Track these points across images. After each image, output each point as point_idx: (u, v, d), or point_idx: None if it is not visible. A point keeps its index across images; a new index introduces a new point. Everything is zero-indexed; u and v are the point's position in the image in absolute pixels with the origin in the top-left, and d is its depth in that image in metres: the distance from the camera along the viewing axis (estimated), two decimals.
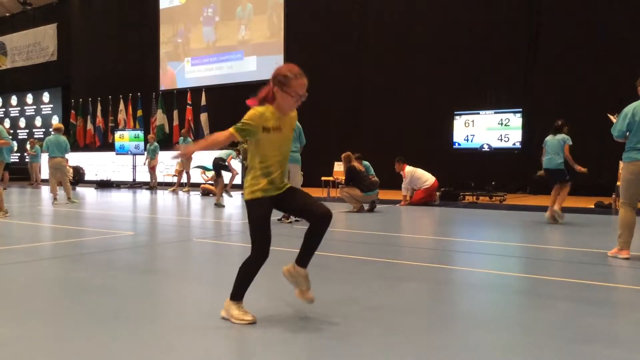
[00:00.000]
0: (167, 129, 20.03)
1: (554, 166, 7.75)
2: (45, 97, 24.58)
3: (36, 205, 11.10)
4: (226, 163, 11.18)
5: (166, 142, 18.69)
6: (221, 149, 13.93)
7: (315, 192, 13.28)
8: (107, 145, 20.92)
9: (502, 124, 11.78)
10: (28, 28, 25.40)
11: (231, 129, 2.83)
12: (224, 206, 10.36)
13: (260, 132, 2.85)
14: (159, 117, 20.07)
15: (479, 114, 12.17)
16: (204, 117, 19.02)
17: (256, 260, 2.89)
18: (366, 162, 10.56)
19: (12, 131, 24.91)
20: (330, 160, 13.50)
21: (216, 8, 19.30)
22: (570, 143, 7.71)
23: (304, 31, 16.80)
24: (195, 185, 15.22)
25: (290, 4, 17.41)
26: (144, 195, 14.51)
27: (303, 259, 2.95)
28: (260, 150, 2.90)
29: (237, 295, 2.96)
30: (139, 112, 20.74)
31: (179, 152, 3.06)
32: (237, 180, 12.82)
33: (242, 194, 12.37)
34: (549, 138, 7.87)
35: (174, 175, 16.31)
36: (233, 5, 18.84)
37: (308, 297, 3.00)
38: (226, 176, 11.86)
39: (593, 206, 10.12)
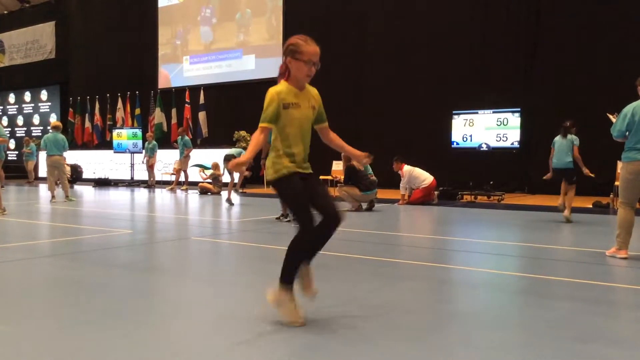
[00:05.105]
0: (165, 127, 20.00)
1: (563, 165, 7.93)
2: (43, 95, 24.52)
3: (34, 203, 11.07)
4: None
5: (164, 141, 18.67)
6: (234, 147, 13.97)
7: None
8: (105, 143, 20.90)
9: (500, 123, 11.78)
10: (26, 26, 25.31)
11: (260, 124, 2.83)
12: (233, 204, 10.36)
13: (281, 109, 2.85)
14: (157, 116, 20.02)
15: (477, 113, 12.16)
16: (202, 115, 18.96)
17: (309, 240, 2.86)
18: None
19: (9, 129, 24.86)
20: (329, 159, 13.48)
21: (215, 9, 19.25)
22: (578, 144, 7.89)
23: (303, 33, 16.72)
24: (194, 184, 15.20)
25: (289, 6, 17.38)
26: (142, 193, 14.49)
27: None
28: (281, 129, 2.89)
29: (288, 276, 2.87)
30: (137, 111, 20.69)
31: (233, 162, 2.80)
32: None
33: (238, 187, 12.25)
34: (558, 139, 8.03)
35: (172, 174, 16.29)
36: (232, 7, 18.80)
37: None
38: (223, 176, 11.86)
39: (591, 206, 10.14)
